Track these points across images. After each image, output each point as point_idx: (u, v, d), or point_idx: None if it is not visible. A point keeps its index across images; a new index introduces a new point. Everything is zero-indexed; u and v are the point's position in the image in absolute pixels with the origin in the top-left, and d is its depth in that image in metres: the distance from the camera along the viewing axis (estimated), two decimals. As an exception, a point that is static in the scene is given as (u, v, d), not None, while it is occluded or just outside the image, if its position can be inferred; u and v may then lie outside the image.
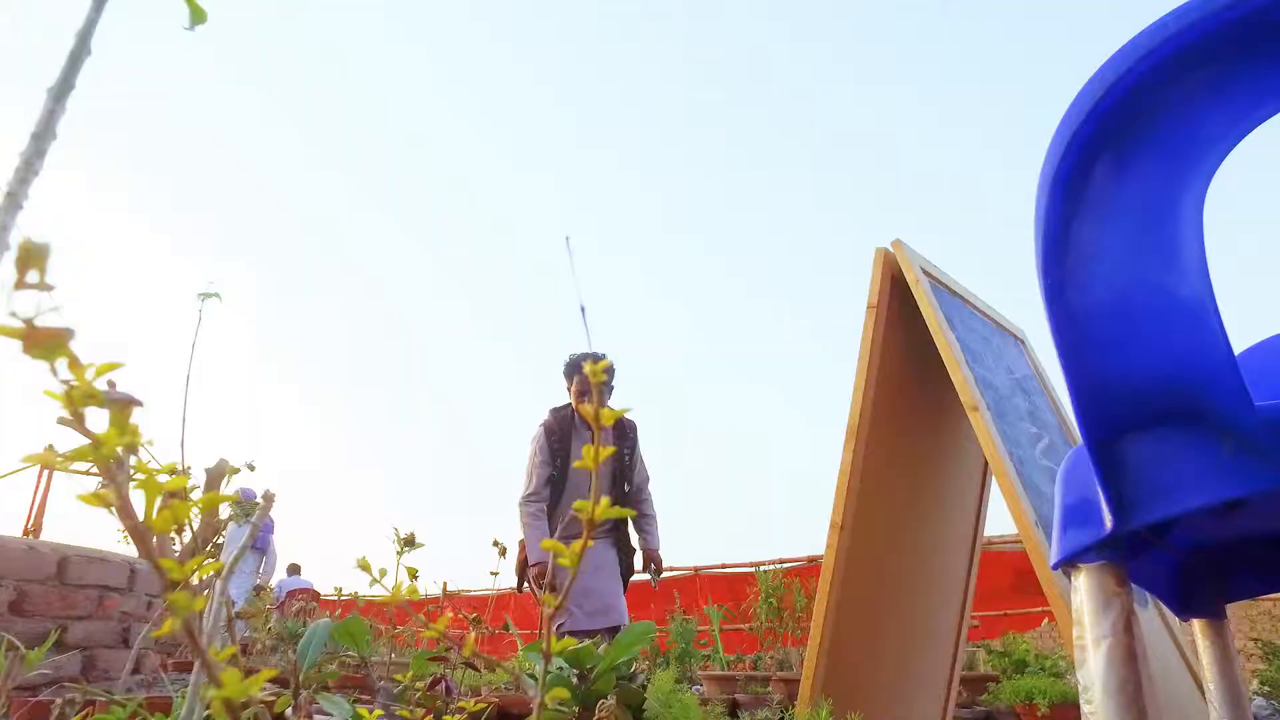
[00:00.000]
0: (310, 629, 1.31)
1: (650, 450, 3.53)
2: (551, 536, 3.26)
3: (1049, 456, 2.25)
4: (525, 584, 3.17)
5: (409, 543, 2.30)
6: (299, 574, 11.47)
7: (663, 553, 3.44)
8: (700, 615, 6.43)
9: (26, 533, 10.32)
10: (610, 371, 3.21)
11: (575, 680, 1.25)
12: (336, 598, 13.14)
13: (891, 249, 2.28)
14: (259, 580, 6.32)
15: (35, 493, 10.50)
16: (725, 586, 7.98)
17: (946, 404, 2.51)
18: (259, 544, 6.32)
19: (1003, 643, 4.59)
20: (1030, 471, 2.00)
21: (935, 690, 2.57)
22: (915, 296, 2.17)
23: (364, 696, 1.86)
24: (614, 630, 3.13)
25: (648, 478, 3.36)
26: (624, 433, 3.29)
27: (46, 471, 10.38)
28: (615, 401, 3.38)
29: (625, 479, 3.26)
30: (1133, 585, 2.11)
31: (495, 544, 2.66)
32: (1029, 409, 2.36)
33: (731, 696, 3.86)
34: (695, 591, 7.92)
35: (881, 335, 2.21)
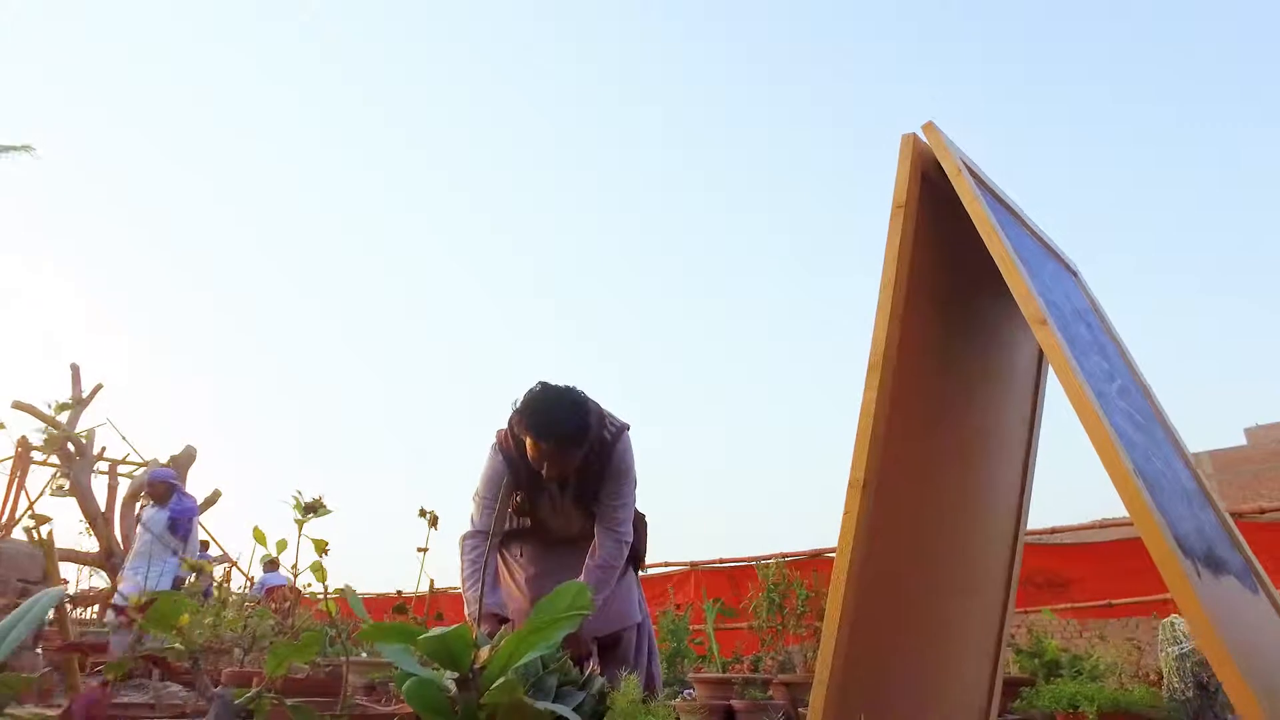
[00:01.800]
0: (20, 609, 0.84)
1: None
2: (517, 560, 2.71)
3: (1126, 399, 1.76)
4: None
5: (312, 509, 1.80)
6: (278, 569, 10.90)
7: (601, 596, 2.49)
8: (696, 613, 5.95)
9: (-1, 529, 9.87)
10: (571, 434, 2.35)
11: (453, 687, 0.78)
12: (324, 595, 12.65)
13: (923, 135, 1.80)
14: (179, 572, 5.75)
15: (9, 489, 10.04)
16: (725, 582, 7.49)
17: (993, 330, 2.03)
18: (180, 530, 5.76)
19: (1031, 642, 4.10)
20: (1110, 411, 1.52)
21: (976, 693, 2.08)
22: (957, 190, 1.69)
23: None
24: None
25: (618, 504, 2.54)
26: (595, 451, 2.51)
27: (20, 468, 9.92)
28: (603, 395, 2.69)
29: (592, 500, 2.57)
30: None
31: (423, 513, 2.17)
32: (1094, 342, 1.88)
33: (727, 702, 3.38)
34: (691, 587, 7.44)
35: (910, 243, 1.72)
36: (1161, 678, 3.55)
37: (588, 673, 1.38)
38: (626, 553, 2.58)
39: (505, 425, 2.55)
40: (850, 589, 1.57)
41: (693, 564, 8.14)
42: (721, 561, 8.03)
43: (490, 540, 2.36)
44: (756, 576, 5.59)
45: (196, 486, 8.50)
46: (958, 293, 1.93)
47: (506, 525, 2.67)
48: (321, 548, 1.78)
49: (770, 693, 3.73)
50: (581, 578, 2.49)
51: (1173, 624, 3.01)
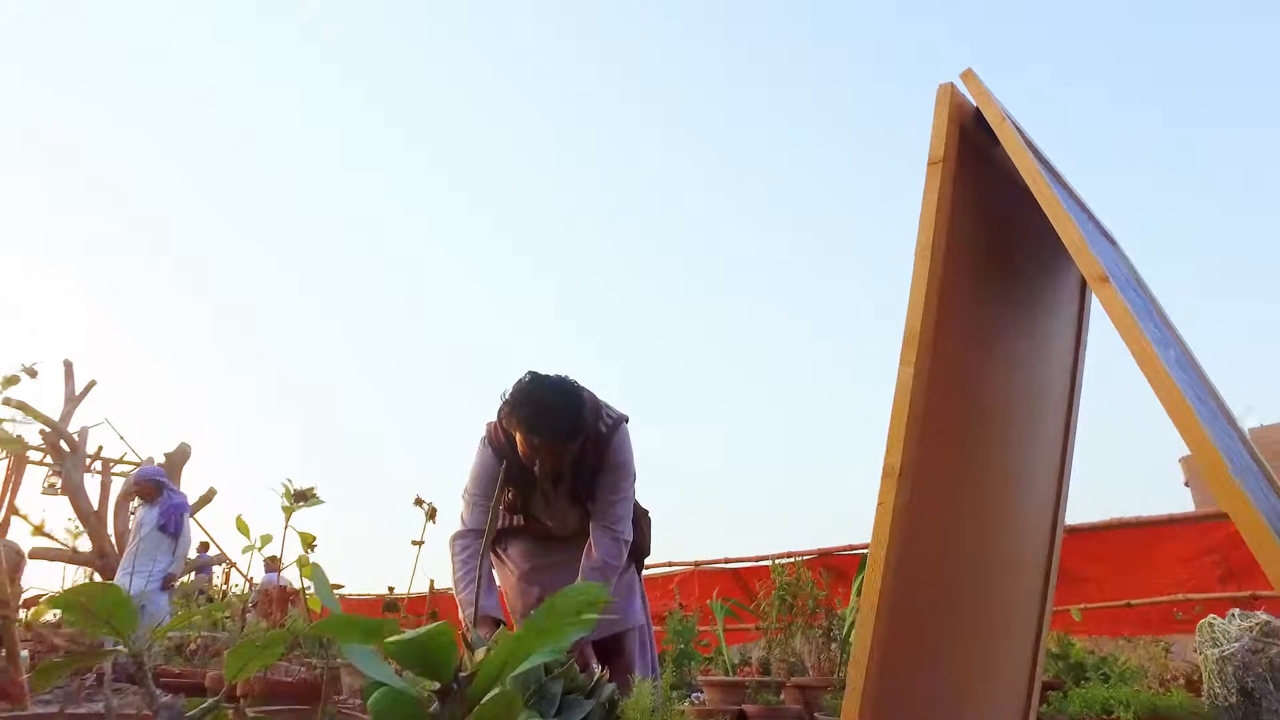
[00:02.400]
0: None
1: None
2: (510, 560, 2.53)
3: (1184, 370, 1.60)
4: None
5: (303, 497, 1.64)
6: (279, 569, 10.74)
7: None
8: (703, 613, 5.78)
9: (-5, 529, 9.73)
10: (564, 428, 2.16)
11: (434, 701, 0.62)
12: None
13: (961, 85, 1.64)
14: (171, 570, 5.58)
15: (5, 489, 9.90)
16: (730, 582, 7.33)
17: (1034, 300, 1.87)
18: (171, 528, 5.57)
19: (1057, 642, 3.94)
20: (1176, 379, 1.36)
21: (1013, 696, 1.92)
22: (1001, 139, 1.53)
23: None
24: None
25: (615, 499, 2.36)
26: (591, 444, 2.33)
27: (17, 468, 9.78)
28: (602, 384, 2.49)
29: (588, 496, 2.40)
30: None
31: (419, 502, 2.01)
32: (1145, 309, 1.72)
33: (738, 707, 3.22)
34: (695, 587, 7.27)
35: (949, 202, 1.56)
36: (1193, 680, 3.38)
37: (595, 679, 1.22)
38: (626, 552, 2.40)
39: (494, 417, 2.39)
40: (886, 587, 1.41)
41: (696, 564, 7.97)
42: (726, 561, 7.86)
43: (484, 539, 2.19)
44: (764, 576, 5.43)
45: (194, 485, 8.34)
46: (996, 259, 1.77)
47: (499, 523, 2.51)
48: (308, 541, 1.63)
49: (782, 696, 3.57)
50: (578, 579, 2.32)
51: (1211, 625, 2.84)
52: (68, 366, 8.00)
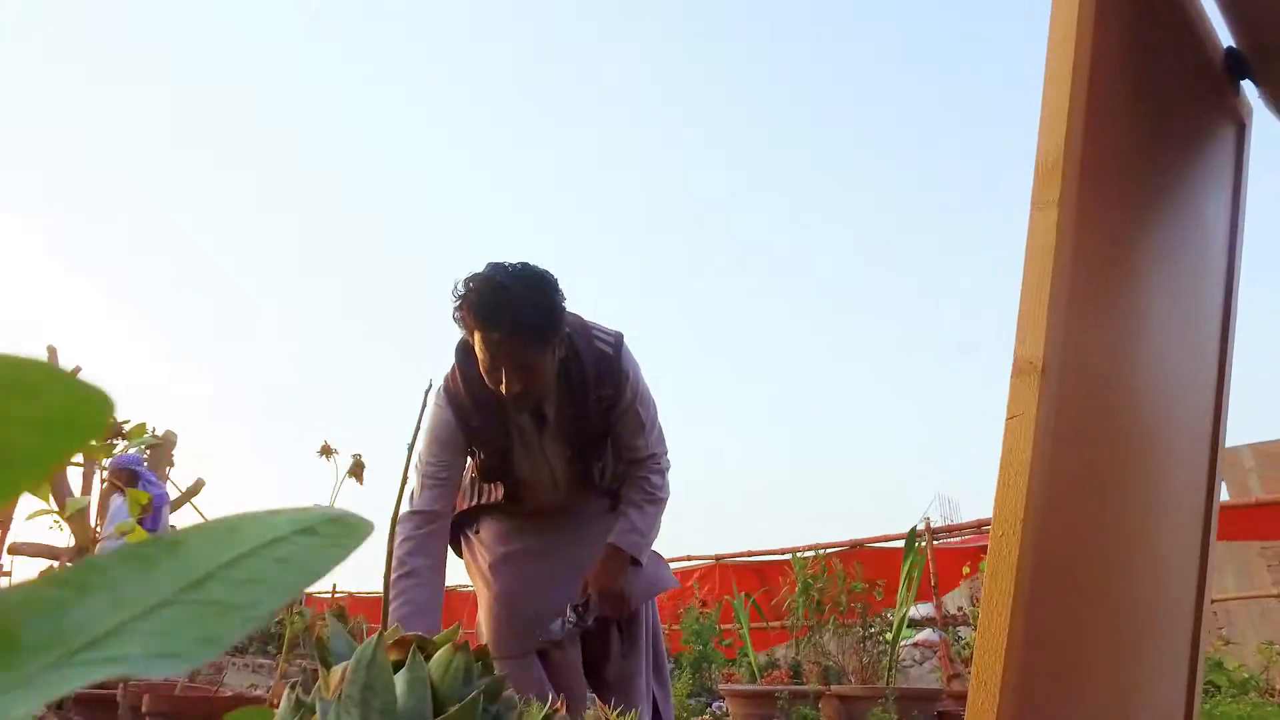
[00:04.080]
0: None
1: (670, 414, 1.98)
2: (481, 542, 1.97)
3: None
4: None
5: (117, 434, 1.16)
6: None
7: (646, 554, 1.89)
8: (725, 610, 5.26)
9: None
10: (531, 318, 1.62)
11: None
12: (331, 595, 12.04)
13: None
14: None
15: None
16: (754, 578, 6.79)
17: (1189, 151, 1.32)
18: (147, 524, 5.10)
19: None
20: None
21: (1173, 696, 1.38)
22: None
23: None
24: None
25: (648, 442, 1.89)
26: (596, 375, 1.81)
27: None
28: (595, 313, 1.92)
29: (599, 447, 1.90)
30: None
31: (327, 451, 1.50)
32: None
33: (768, 721, 2.70)
34: (716, 582, 6.74)
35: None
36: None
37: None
38: (668, 482, 1.94)
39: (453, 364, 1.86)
40: (1025, 558, 0.87)
41: (717, 557, 7.44)
42: (749, 554, 7.32)
43: (407, 525, 1.68)
44: (789, 571, 4.91)
45: (181, 476, 7.91)
46: (1141, 94, 1.23)
47: (474, 498, 1.95)
48: (139, 502, 1.12)
49: (820, 707, 3.03)
50: (619, 526, 1.83)
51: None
52: (51, 352, 7.60)
